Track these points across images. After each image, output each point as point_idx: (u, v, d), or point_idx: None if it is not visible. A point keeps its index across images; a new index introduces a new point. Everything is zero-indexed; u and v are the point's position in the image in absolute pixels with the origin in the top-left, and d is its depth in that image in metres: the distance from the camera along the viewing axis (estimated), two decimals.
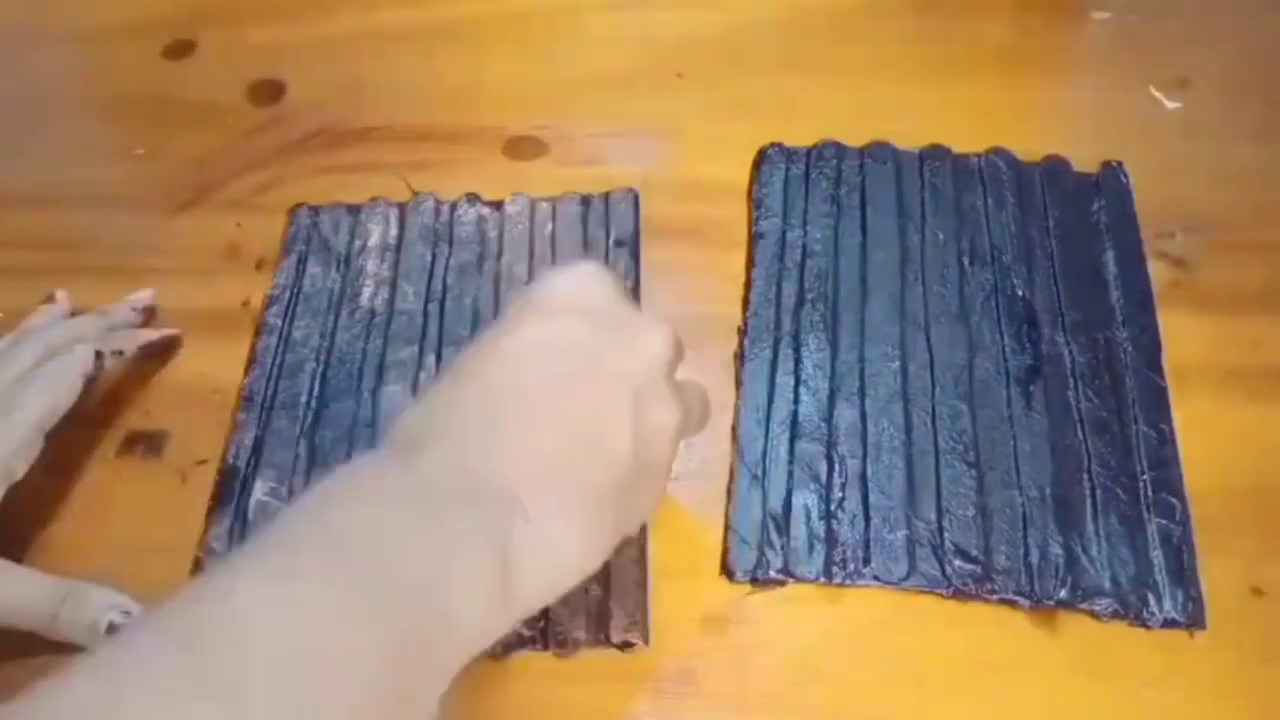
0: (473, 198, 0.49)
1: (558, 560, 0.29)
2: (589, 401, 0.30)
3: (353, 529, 0.26)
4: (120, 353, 0.43)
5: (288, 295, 0.46)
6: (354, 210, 0.49)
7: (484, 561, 0.27)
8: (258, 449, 0.42)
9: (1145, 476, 0.40)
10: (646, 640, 0.37)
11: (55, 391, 0.39)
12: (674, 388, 0.32)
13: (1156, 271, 0.45)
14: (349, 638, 0.24)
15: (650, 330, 0.32)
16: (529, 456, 0.29)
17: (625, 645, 0.37)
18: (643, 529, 0.39)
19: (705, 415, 0.36)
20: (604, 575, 0.38)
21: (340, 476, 0.28)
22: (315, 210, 0.49)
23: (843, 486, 0.40)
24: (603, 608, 0.38)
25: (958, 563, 0.38)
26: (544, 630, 0.37)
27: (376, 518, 0.26)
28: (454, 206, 0.48)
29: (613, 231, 0.47)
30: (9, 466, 0.37)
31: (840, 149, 0.49)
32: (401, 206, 0.49)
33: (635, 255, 0.46)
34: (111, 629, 0.35)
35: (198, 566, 0.39)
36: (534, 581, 0.28)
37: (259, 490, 0.41)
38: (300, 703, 0.23)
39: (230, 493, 0.41)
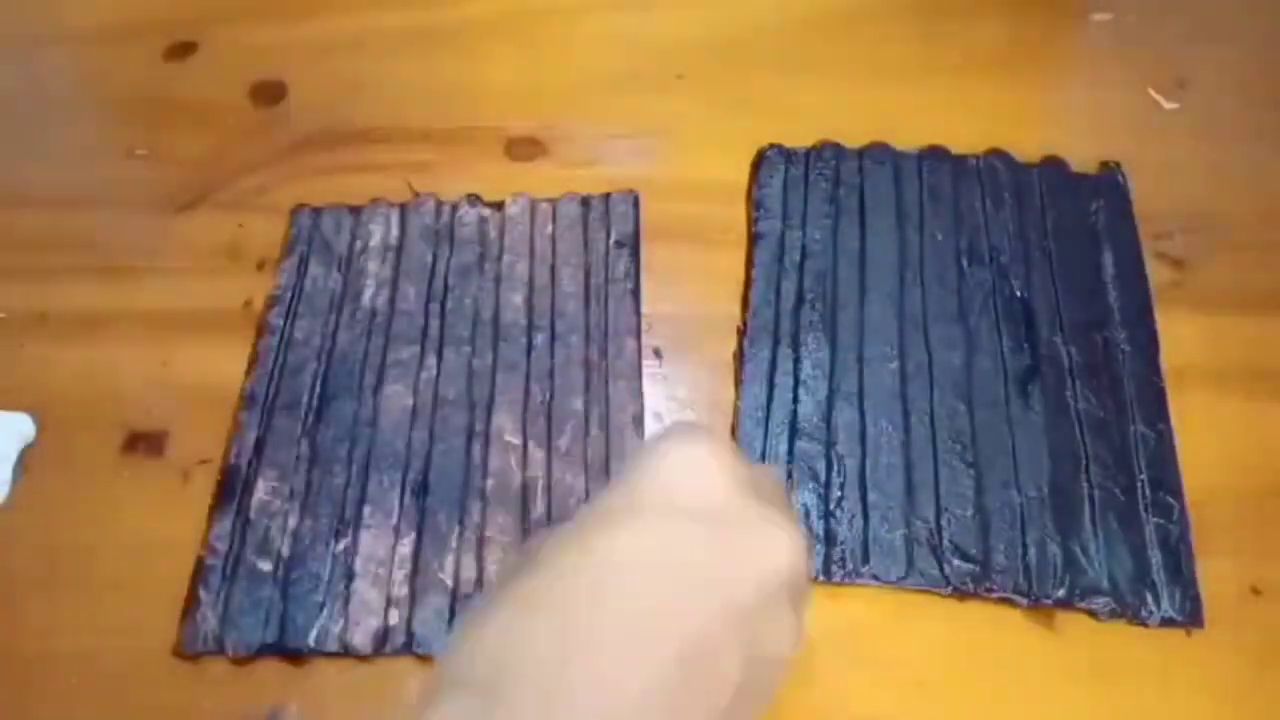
0: (473, 198, 0.49)
1: None
2: (694, 630, 0.25)
3: None
4: None
5: (289, 295, 0.46)
6: (355, 211, 0.49)
7: None
8: (259, 449, 0.42)
9: (1143, 476, 0.40)
10: None
11: None
12: (793, 606, 0.27)
13: (1154, 272, 0.45)
14: None
15: (772, 538, 0.26)
16: (621, 702, 0.24)
17: None
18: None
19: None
20: None
21: None
22: (316, 211, 0.49)
23: (841, 486, 0.40)
24: None
25: (956, 562, 0.38)
26: None
27: None
28: (455, 207, 0.48)
29: (613, 232, 0.47)
30: None
31: (839, 150, 0.49)
32: (402, 207, 0.49)
33: (635, 256, 0.46)
34: None
35: (200, 566, 0.39)
36: None
37: (260, 490, 0.41)
38: None
39: (232, 492, 0.41)
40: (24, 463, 0.42)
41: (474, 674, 0.25)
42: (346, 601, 0.38)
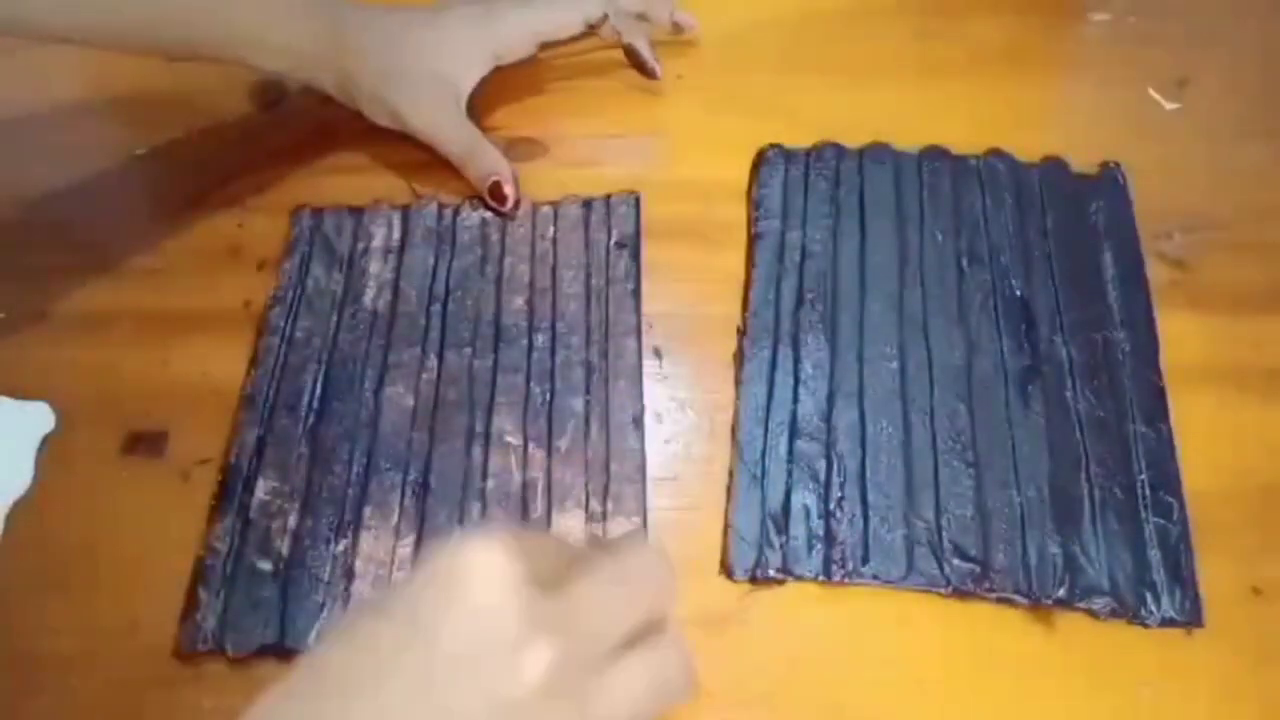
0: (475, 200, 0.49)
1: None
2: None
3: None
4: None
5: (290, 296, 0.46)
6: (357, 212, 0.49)
7: None
8: (259, 449, 0.42)
9: (1143, 476, 0.40)
10: None
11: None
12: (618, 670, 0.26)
13: (1154, 272, 0.45)
14: None
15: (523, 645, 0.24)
16: None
17: None
18: (643, 528, 0.39)
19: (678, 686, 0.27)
20: None
21: None
22: (318, 212, 0.49)
23: (841, 486, 0.40)
24: None
25: (956, 562, 0.38)
26: None
27: None
28: (456, 209, 0.49)
29: (614, 233, 0.47)
30: (498, 52, 0.49)
31: (839, 150, 0.49)
32: (404, 209, 0.49)
33: (636, 257, 0.46)
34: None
35: (200, 566, 0.39)
36: None
37: (261, 490, 0.41)
38: None
39: (232, 492, 0.41)
40: (45, 451, 0.43)
41: None
42: (346, 602, 0.38)
